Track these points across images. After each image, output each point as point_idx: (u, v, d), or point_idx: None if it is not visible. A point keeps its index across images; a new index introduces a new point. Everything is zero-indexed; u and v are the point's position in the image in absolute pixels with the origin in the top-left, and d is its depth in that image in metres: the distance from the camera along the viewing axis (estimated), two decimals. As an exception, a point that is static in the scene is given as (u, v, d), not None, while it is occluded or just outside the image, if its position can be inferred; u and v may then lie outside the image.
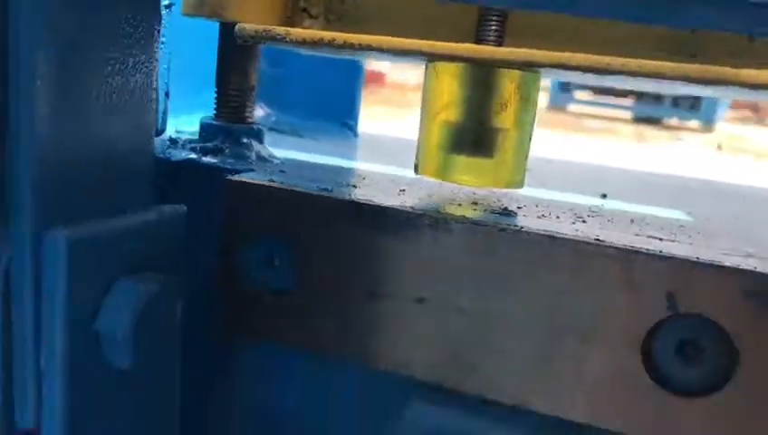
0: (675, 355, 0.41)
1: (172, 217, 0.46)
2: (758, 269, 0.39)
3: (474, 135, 0.50)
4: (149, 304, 0.43)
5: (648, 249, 0.41)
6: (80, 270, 0.40)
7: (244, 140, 0.59)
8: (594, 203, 0.56)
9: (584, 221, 0.48)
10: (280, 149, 0.64)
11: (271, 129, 0.79)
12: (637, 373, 0.41)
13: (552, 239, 0.42)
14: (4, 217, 0.39)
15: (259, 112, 0.80)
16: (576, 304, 0.42)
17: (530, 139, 0.50)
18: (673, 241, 0.44)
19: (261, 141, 0.60)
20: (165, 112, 0.57)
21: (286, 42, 0.51)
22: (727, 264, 0.39)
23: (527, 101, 0.49)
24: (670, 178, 0.89)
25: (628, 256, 0.40)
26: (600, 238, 0.42)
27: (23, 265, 0.39)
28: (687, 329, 0.40)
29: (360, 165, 0.67)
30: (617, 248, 0.41)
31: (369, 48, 0.49)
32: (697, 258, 0.40)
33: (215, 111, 0.60)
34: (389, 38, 0.48)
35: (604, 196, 0.61)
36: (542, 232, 0.43)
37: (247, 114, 0.60)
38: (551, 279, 0.42)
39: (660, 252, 0.40)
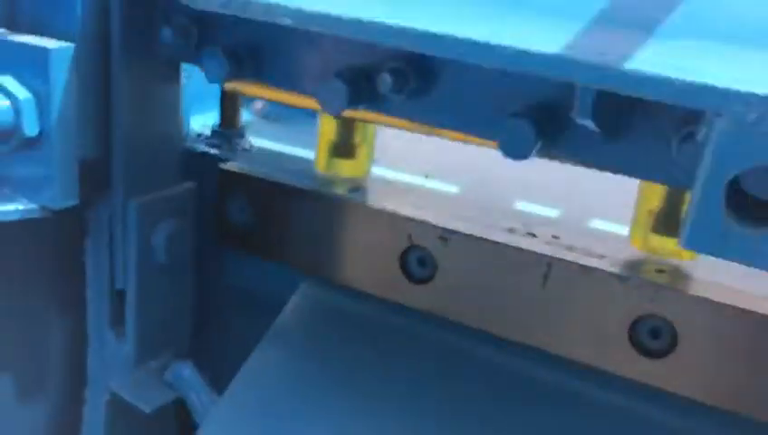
0: (415, 265, 0.86)
1: (187, 190, 0.94)
2: (445, 226, 0.83)
3: (343, 147, 0.94)
4: (175, 232, 0.90)
5: (402, 212, 0.85)
6: (142, 218, 0.87)
7: (234, 140, 1.05)
8: (416, 182, 1.01)
9: (393, 196, 0.92)
10: (259, 138, 1.09)
11: (263, 116, 1.25)
12: (397, 274, 0.87)
13: (365, 206, 0.88)
14: (107, 192, 0.87)
15: (258, 105, 1.26)
16: (373, 239, 0.87)
17: (372, 149, 0.95)
18: (428, 207, 0.88)
19: (243, 137, 1.06)
20: (187, 129, 1.03)
21: (248, 94, 0.97)
22: (432, 222, 0.84)
23: (366, 130, 0.93)
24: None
25: (393, 215, 0.85)
26: (381, 206, 0.87)
27: (116, 216, 0.87)
28: (418, 252, 0.85)
29: (297, 151, 1.11)
30: (388, 212, 0.86)
31: (288, 101, 0.94)
32: (423, 219, 0.84)
33: (219, 122, 1.06)
34: (295, 97, 0.92)
35: (427, 176, 1.05)
36: (363, 203, 0.88)
37: (236, 123, 1.06)
38: (364, 226, 0.88)
39: (406, 214, 0.85)
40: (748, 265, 0.44)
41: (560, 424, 0.77)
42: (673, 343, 0.73)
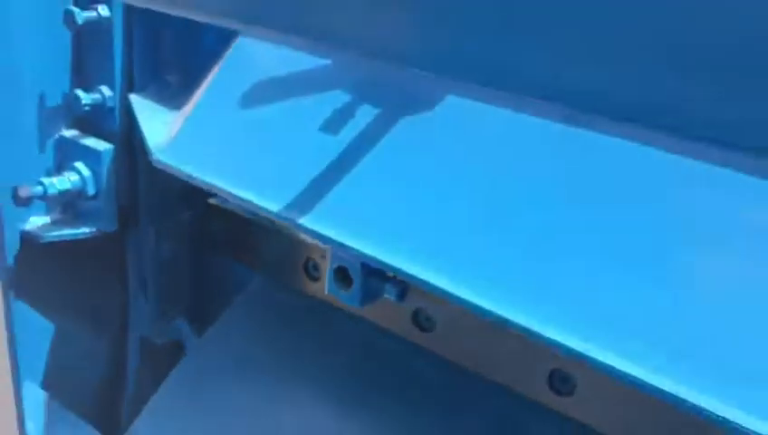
0: (312, 269, 1.45)
1: (185, 218, 1.55)
2: (323, 248, 1.41)
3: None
4: (176, 245, 1.53)
5: (303, 238, 1.44)
6: (156, 239, 1.49)
7: (221, 180, 1.65)
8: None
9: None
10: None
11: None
12: (302, 274, 1.46)
13: (285, 233, 1.47)
14: (138, 223, 1.49)
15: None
16: (289, 252, 1.47)
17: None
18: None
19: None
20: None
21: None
22: (316, 245, 1.42)
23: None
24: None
25: (299, 239, 1.44)
26: (294, 233, 1.46)
27: (141, 238, 1.50)
28: (312, 262, 1.44)
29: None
30: (297, 237, 1.45)
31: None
32: (312, 243, 1.43)
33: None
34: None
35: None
36: (284, 231, 1.47)
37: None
38: (285, 245, 1.47)
39: (305, 240, 1.44)
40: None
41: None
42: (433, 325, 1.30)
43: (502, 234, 0.92)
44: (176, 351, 1.60)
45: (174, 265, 1.55)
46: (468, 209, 0.94)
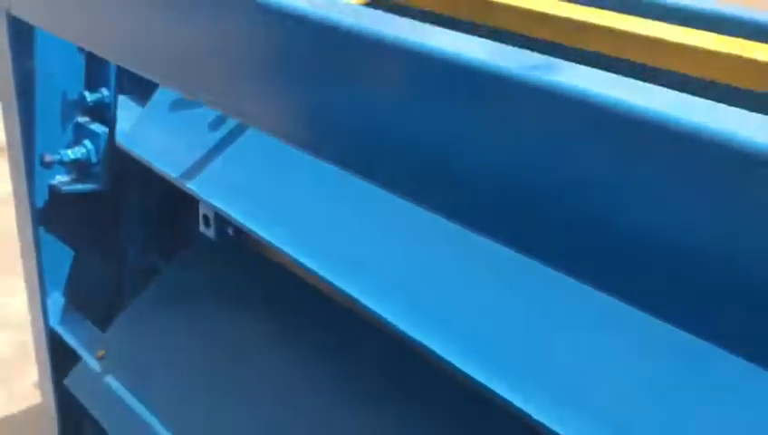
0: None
1: (160, 181, 2.18)
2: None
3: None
4: (155, 202, 2.16)
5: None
6: (142, 194, 2.13)
7: (195, 157, 2.28)
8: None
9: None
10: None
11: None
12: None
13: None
14: (127, 184, 2.13)
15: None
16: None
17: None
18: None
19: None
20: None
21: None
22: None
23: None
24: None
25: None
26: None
27: (129, 198, 2.14)
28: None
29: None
30: (233, 199, 2.06)
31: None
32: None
33: (190, 148, 2.30)
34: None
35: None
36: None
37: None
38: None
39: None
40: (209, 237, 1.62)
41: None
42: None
43: (331, 202, 1.50)
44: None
45: (153, 214, 2.19)
46: (304, 181, 1.53)
